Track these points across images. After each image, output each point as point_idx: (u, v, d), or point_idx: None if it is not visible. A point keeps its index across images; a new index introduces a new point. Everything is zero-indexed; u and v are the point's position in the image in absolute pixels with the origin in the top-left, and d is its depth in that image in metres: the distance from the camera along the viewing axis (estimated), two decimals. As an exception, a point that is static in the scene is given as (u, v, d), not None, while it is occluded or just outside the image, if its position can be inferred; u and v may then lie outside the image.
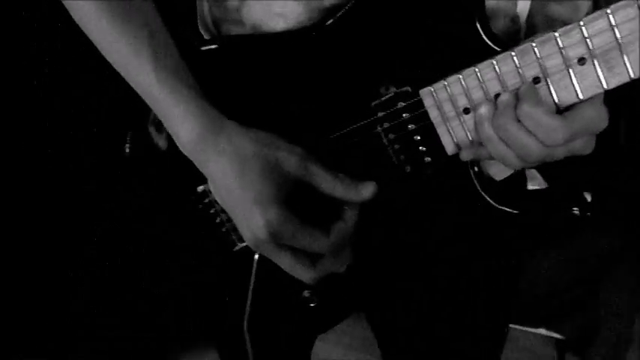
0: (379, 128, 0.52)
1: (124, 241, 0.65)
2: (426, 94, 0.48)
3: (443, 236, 0.58)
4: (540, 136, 0.43)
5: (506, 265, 0.69)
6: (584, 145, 0.45)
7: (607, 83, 0.43)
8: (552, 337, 1.52)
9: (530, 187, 1.40)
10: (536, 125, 0.43)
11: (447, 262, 0.63)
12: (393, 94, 0.50)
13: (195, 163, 0.50)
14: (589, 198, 1.48)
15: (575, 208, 0.51)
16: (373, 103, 0.51)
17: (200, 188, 0.60)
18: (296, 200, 0.49)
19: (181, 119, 0.49)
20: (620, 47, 0.41)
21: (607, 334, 1.39)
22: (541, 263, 1.38)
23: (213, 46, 0.55)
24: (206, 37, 0.59)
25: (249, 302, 0.60)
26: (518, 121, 0.44)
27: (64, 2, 0.50)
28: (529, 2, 0.59)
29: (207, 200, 0.60)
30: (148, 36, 0.48)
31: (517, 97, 0.44)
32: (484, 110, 0.45)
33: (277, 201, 0.47)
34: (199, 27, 0.59)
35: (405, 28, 0.49)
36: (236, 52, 0.55)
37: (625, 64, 0.42)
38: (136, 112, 0.59)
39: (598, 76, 0.43)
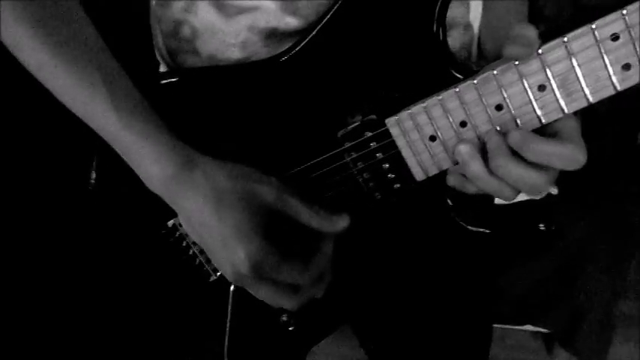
0: (347, 158, 0.52)
1: (92, 280, 0.63)
2: (392, 124, 0.48)
3: (420, 258, 0.58)
4: (560, 165, 0.43)
5: (482, 273, 0.70)
6: None
7: (567, 108, 0.44)
8: (539, 332, 1.57)
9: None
10: (557, 158, 0.42)
11: (425, 277, 0.63)
12: (359, 122, 0.50)
13: (166, 200, 0.49)
14: (555, 191, 1.51)
15: (540, 224, 0.52)
16: (340, 134, 0.51)
17: (170, 223, 0.59)
18: (274, 232, 0.48)
19: (152, 160, 0.47)
20: (577, 74, 0.43)
21: (591, 320, 1.43)
22: (517, 261, 1.40)
23: (173, 79, 0.54)
24: (163, 66, 0.58)
25: (227, 333, 0.59)
26: (516, 157, 0.43)
27: (14, 53, 0.47)
28: (480, 8, 0.61)
29: (177, 234, 0.59)
30: (102, 78, 0.46)
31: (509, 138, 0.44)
32: (465, 150, 0.45)
33: (257, 234, 0.47)
34: (157, 56, 0.58)
35: (369, 55, 0.50)
36: (198, 84, 0.54)
37: (583, 89, 0.43)
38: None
39: (558, 102, 0.44)
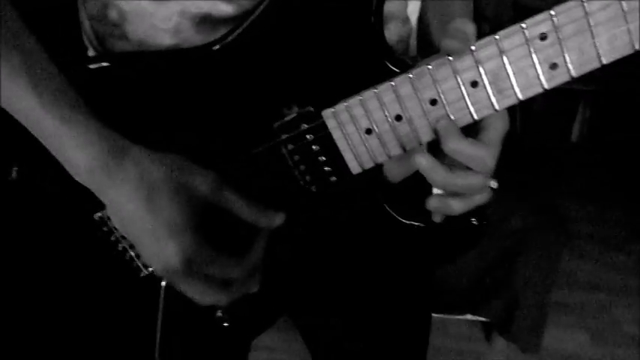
0: (284, 150, 0.51)
1: (18, 277, 0.58)
2: (329, 116, 0.48)
3: (356, 250, 0.59)
4: (474, 167, 0.44)
5: (419, 264, 0.71)
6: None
7: (498, 104, 0.45)
8: (479, 321, 1.62)
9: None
10: (467, 158, 0.44)
11: (362, 268, 0.64)
12: (295, 114, 0.50)
13: (94, 191, 0.46)
14: (495, 185, 1.56)
15: (472, 219, 0.53)
16: (276, 125, 0.50)
17: (97, 215, 0.56)
18: (207, 226, 0.47)
19: (78, 147, 0.44)
20: (507, 72, 0.44)
21: (526, 309, 1.49)
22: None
23: (103, 64, 0.51)
24: (91, 51, 0.55)
25: (159, 332, 0.57)
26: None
27: None
28: (418, 3, 0.61)
29: (105, 228, 0.56)
30: (21, 59, 0.43)
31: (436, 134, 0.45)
32: (421, 160, 0.45)
33: (190, 228, 0.45)
34: (85, 41, 0.55)
35: (306, 46, 0.49)
36: (129, 70, 0.51)
37: (513, 87, 0.44)
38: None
39: (490, 99, 0.45)
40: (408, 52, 0.62)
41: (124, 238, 0.55)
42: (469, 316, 1.57)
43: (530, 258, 1.48)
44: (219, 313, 0.58)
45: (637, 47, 0.41)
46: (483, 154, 0.44)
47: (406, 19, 0.59)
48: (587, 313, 1.80)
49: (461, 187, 0.45)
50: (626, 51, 0.41)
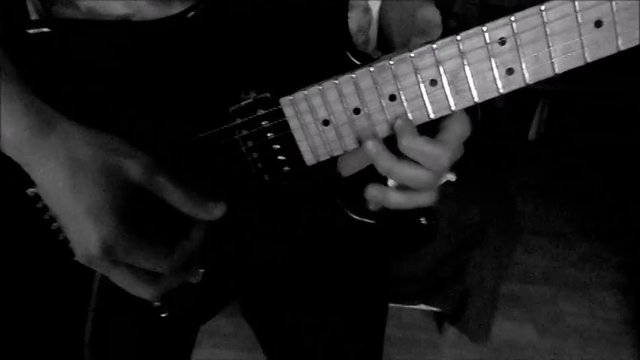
0: (237, 135, 0.50)
1: None
2: (287, 104, 0.47)
3: (306, 243, 0.58)
4: (427, 164, 0.45)
5: (372, 258, 0.71)
6: (459, 153, 0.47)
7: (455, 105, 0.45)
8: (431, 311, 1.67)
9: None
10: (421, 156, 0.44)
11: (314, 261, 0.63)
12: (252, 99, 0.48)
13: (22, 166, 0.44)
14: (453, 178, 1.58)
15: (422, 218, 0.54)
16: (232, 109, 0.49)
17: (31, 191, 0.52)
18: (137, 213, 0.44)
19: (4, 120, 0.41)
20: (466, 73, 0.44)
21: (478, 300, 1.54)
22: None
23: (44, 30, 0.47)
24: (34, 17, 0.51)
25: (90, 317, 0.54)
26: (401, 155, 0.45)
27: None
28: None
29: (40, 205, 0.53)
30: None
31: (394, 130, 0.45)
32: (372, 146, 0.45)
33: (114, 213, 0.42)
34: (28, 7, 0.51)
35: (267, 30, 0.47)
36: (74, 38, 0.48)
37: (470, 89, 0.44)
38: None
39: (447, 99, 0.45)
40: (368, 43, 0.62)
41: None
42: (422, 306, 1.61)
43: (484, 251, 1.52)
44: (156, 303, 0.56)
45: (588, 60, 0.42)
46: (438, 153, 0.44)
47: (367, 9, 0.58)
48: (534, 305, 1.87)
49: (408, 178, 0.45)
50: (578, 62, 0.42)
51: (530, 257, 2.06)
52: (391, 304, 1.55)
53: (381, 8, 0.60)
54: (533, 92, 2.25)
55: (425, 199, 0.47)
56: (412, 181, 0.46)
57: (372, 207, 0.49)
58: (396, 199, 0.47)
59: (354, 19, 0.56)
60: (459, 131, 0.46)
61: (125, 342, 0.61)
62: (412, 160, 0.45)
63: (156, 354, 0.65)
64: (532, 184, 2.33)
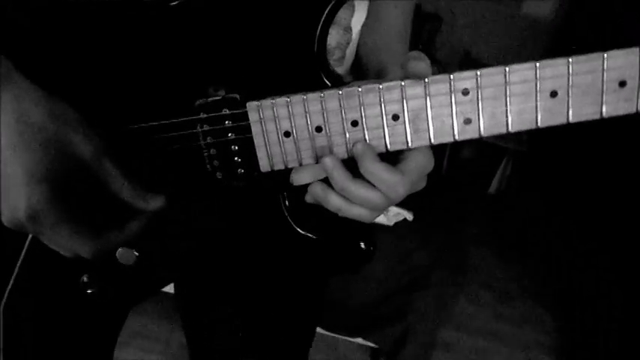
0: (198, 129, 0.50)
1: None
2: (252, 109, 0.48)
3: (247, 246, 0.58)
4: (384, 190, 0.46)
5: (309, 280, 0.72)
6: (419, 185, 0.48)
7: (411, 142, 0.47)
8: (368, 346, 1.66)
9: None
10: (379, 181, 0.45)
11: (251, 269, 0.63)
12: (220, 97, 0.49)
13: None
14: (410, 217, 1.58)
15: (361, 242, 0.55)
16: (198, 102, 0.50)
17: None
18: (73, 190, 0.44)
19: None
20: (427, 114, 0.46)
21: (416, 342, 1.54)
22: (358, 277, 1.47)
23: None
24: None
25: (11, 282, 0.53)
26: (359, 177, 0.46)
27: None
28: (364, 16, 0.62)
29: None
30: None
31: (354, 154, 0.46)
32: (329, 162, 0.46)
33: (49, 183, 0.42)
34: None
35: (247, 33, 0.49)
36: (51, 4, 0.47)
37: (428, 130, 0.46)
38: None
39: (406, 135, 0.47)
40: (342, 62, 0.63)
41: None
42: (360, 340, 1.60)
43: (428, 294, 1.54)
44: (84, 278, 0.55)
45: (540, 125, 0.44)
46: (396, 181, 0.45)
47: (348, 28, 0.60)
48: (469, 356, 1.88)
49: (360, 198, 0.46)
50: (530, 125, 0.45)
51: (472, 308, 2.08)
52: (328, 333, 1.55)
53: (360, 34, 0.62)
54: (499, 148, 2.32)
55: (363, 213, 0.48)
56: (364, 202, 0.47)
57: (307, 199, 0.49)
58: (335, 202, 0.47)
59: (333, 36, 0.57)
60: (421, 163, 0.47)
61: (46, 314, 0.59)
62: (367, 182, 0.46)
63: (80, 331, 0.63)
64: (487, 238, 2.38)
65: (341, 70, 0.65)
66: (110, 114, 0.48)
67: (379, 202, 0.47)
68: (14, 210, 0.42)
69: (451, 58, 2.24)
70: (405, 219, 1.50)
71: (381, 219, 1.44)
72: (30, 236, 0.52)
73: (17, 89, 0.42)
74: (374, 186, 0.46)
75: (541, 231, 2.38)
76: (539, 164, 2.42)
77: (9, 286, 0.53)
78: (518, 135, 2.36)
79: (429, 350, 1.58)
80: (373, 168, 0.45)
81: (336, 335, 1.59)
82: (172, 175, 0.51)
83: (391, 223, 1.49)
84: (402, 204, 1.50)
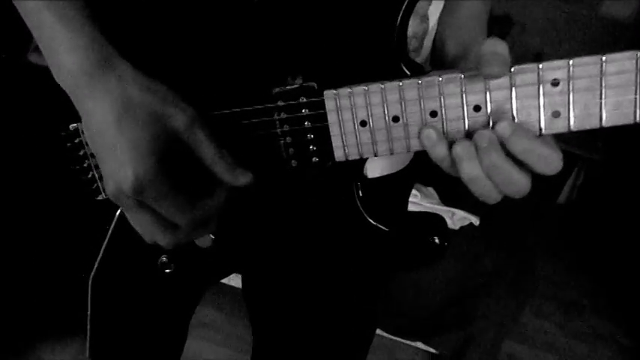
0: (275, 116, 0.51)
1: None
2: (330, 97, 0.48)
3: (316, 235, 0.58)
4: (538, 165, 0.42)
5: (375, 274, 0.71)
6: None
7: None
8: (427, 352, 1.61)
9: (425, 203, 1.45)
10: (533, 156, 0.42)
11: (317, 259, 0.63)
12: (298, 85, 0.50)
13: (72, 98, 0.46)
14: (478, 222, 1.53)
15: (434, 237, 0.54)
16: (275, 90, 0.50)
17: (73, 125, 0.55)
18: (172, 162, 0.46)
19: (68, 48, 0.44)
20: (512, 106, 0.44)
21: (478, 352, 1.49)
22: (423, 280, 1.44)
23: None
24: None
25: (99, 258, 0.57)
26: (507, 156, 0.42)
27: None
28: (441, 4, 0.60)
29: (77, 140, 0.56)
30: None
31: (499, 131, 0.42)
32: (460, 149, 0.43)
33: (152, 157, 0.44)
34: None
35: (326, 22, 0.49)
36: None
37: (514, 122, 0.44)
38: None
39: (488, 128, 0.45)
40: (419, 52, 0.62)
41: (92, 156, 0.55)
42: (420, 344, 1.56)
43: (492, 302, 1.49)
44: (163, 258, 0.58)
45: (638, 120, 0.41)
46: (557, 156, 0.41)
47: (425, 17, 0.59)
48: None
49: (541, 157, 0.42)
50: (627, 120, 0.41)
51: (537, 321, 1.99)
52: (388, 335, 1.52)
53: (445, 25, 0.60)
54: (572, 157, 2.19)
55: (523, 182, 0.43)
56: (545, 163, 0.42)
57: (442, 164, 0.45)
58: (471, 171, 0.43)
59: (410, 25, 0.56)
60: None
61: (128, 289, 0.63)
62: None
63: (157, 307, 0.67)
64: (555, 249, 2.27)
65: (418, 60, 0.63)
66: (194, 101, 0.49)
67: (524, 184, 0.43)
68: (121, 180, 0.44)
69: (521, 62, 2.15)
70: (470, 223, 1.46)
71: (447, 222, 1.41)
72: (118, 214, 0.55)
73: (120, 70, 0.45)
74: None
75: (613, 245, 2.25)
76: (614, 174, 2.28)
77: (98, 259, 0.57)
78: (593, 142, 2.23)
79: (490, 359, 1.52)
80: (529, 143, 0.41)
81: (395, 338, 1.56)
82: (249, 162, 0.51)
83: (457, 227, 1.45)
84: (469, 208, 1.46)
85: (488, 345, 1.51)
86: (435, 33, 0.62)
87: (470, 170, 0.43)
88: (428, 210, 1.42)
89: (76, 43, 0.44)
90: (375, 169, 0.63)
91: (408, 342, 1.58)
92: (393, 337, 1.55)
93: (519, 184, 0.43)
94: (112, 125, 0.44)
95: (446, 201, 1.50)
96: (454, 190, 1.44)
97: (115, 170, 0.44)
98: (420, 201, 1.46)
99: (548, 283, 2.13)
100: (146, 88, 0.46)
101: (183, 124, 0.46)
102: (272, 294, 0.71)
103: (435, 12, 0.61)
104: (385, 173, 0.65)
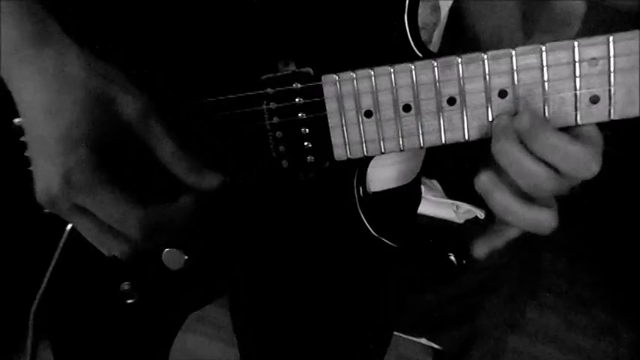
0: (265, 106, 0.44)
1: None
2: (329, 82, 0.41)
3: (311, 250, 0.51)
4: (565, 165, 0.36)
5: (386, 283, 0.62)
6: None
7: None
8: (431, 347, 1.59)
9: (429, 197, 1.39)
10: (558, 154, 0.36)
11: (313, 277, 0.56)
12: (290, 72, 0.42)
13: (6, 82, 0.38)
14: (483, 215, 1.48)
15: (451, 254, 0.46)
16: (264, 77, 0.43)
17: (17, 120, 0.47)
18: (117, 155, 0.38)
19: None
20: (543, 89, 0.38)
21: (483, 347, 1.47)
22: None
23: None
24: None
25: (44, 285, 0.46)
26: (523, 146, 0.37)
27: None
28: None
29: (23, 138, 0.47)
30: None
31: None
32: (528, 117, 0.37)
33: (88, 144, 0.36)
34: None
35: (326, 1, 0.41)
36: None
37: (543, 109, 0.38)
38: None
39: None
40: (429, 45, 0.55)
41: None
42: (424, 340, 1.54)
43: (497, 297, 1.45)
44: (125, 286, 0.48)
45: None
46: (579, 152, 0.35)
47: (436, 7, 0.51)
48: None
49: (525, 221, 0.38)
50: None
51: (543, 315, 1.96)
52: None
53: (463, 7, 0.53)
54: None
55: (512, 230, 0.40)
56: (529, 226, 0.39)
57: (479, 188, 0.40)
58: (505, 202, 0.38)
59: (420, 15, 0.49)
60: (595, 134, 0.38)
61: (84, 324, 0.54)
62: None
63: (124, 343, 0.58)
64: (561, 242, 2.23)
65: None
66: (171, 86, 0.43)
67: (547, 182, 0.37)
68: (49, 179, 0.37)
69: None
70: (476, 217, 1.41)
71: (451, 215, 1.35)
72: (68, 228, 0.46)
73: (61, 47, 0.38)
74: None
75: (618, 238, 2.21)
76: (620, 166, 2.22)
77: (42, 288, 0.47)
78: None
79: (495, 355, 1.51)
80: (553, 139, 0.35)
81: (398, 334, 1.53)
82: (232, 162, 0.44)
83: (461, 221, 1.40)
84: (474, 201, 1.41)
85: (492, 342, 1.48)
86: (462, 13, 0.54)
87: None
88: (432, 202, 1.37)
89: (8, 16, 0.37)
90: (378, 182, 0.54)
91: (412, 338, 1.55)
92: (397, 332, 1.51)
93: (537, 178, 0.37)
94: (43, 112, 0.36)
95: (450, 194, 1.45)
96: (458, 183, 1.39)
97: (42, 166, 0.37)
98: (423, 194, 1.41)
99: (552, 277, 2.10)
100: (92, 68, 0.38)
101: (135, 113, 0.38)
102: (263, 316, 0.62)
103: (447, 3, 0.53)
104: (390, 186, 0.56)
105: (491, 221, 0.44)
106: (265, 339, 0.63)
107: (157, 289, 0.50)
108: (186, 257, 0.47)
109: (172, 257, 0.46)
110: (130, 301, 0.49)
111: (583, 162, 0.36)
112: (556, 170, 0.37)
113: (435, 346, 1.55)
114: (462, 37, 0.55)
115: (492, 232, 0.42)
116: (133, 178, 0.39)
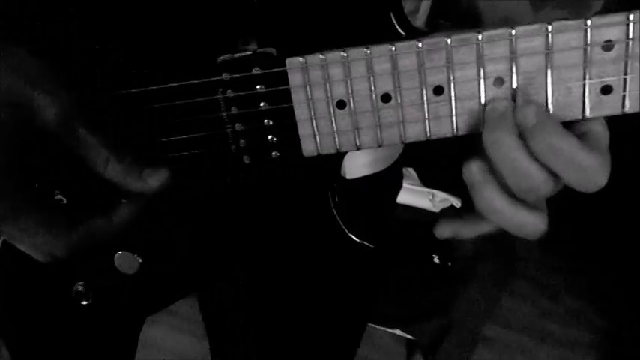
0: (220, 95, 0.37)
1: None
2: (294, 68, 0.35)
3: (280, 252, 0.46)
4: (565, 172, 0.31)
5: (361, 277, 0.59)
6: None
7: None
8: (405, 337, 1.58)
9: (405, 185, 1.36)
10: (560, 158, 0.31)
11: (284, 279, 0.52)
12: (250, 52, 0.36)
13: None
14: (459, 204, 1.46)
15: (435, 256, 0.41)
16: (220, 59, 0.36)
17: None
18: (40, 170, 0.34)
19: None
20: (546, 78, 0.32)
21: (456, 337, 1.46)
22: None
23: None
24: None
25: None
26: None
27: None
28: None
29: None
30: None
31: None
32: (534, 111, 0.32)
33: None
34: None
35: None
36: None
37: (547, 101, 0.33)
38: None
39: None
40: (417, 16, 0.49)
41: None
42: (398, 331, 1.52)
43: (471, 287, 1.43)
44: (78, 287, 0.44)
45: None
46: (585, 159, 0.30)
47: None
48: (510, 353, 1.80)
49: (511, 223, 0.33)
50: None
51: (516, 303, 1.99)
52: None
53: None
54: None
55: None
56: (517, 230, 0.35)
57: (466, 178, 0.35)
58: (492, 199, 0.33)
59: None
60: (602, 131, 0.33)
61: (39, 325, 0.51)
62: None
63: (81, 343, 0.54)
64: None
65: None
66: (109, 75, 0.37)
67: (540, 182, 0.32)
68: None
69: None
70: (451, 205, 1.38)
71: (427, 204, 1.32)
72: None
73: None
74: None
75: (592, 226, 2.25)
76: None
77: None
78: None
79: (469, 345, 1.51)
80: (563, 143, 0.30)
81: (373, 325, 1.50)
82: (185, 159, 0.38)
83: (437, 210, 1.37)
84: (450, 189, 1.39)
85: (466, 331, 1.48)
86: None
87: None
88: (408, 191, 1.34)
89: None
90: (355, 168, 0.49)
91: (386, 329, 1.54)
92: (371, 324, 1.48)
93: (529, 177, 0.32)
94: None
95: (426, 183, 1.43)
96: (434, 172, 1.37)
97: None
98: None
99: (527, 265, 2.14)
100: (7, 63, 0.32)
101: (53, 115, 0.33)
102: (234, 314, 0.58)
103: None
104: (368, 173, 0.51)
105: (467, 210, 0.38)
106: (238, 333, 0.59)
107: (112, 292, 0.46)
108: (140, 260, 0.42)
109: (125, 260, 0.42)
110: (84, 302, 0.45)
111: (590, 172, 0.31)
112: (555, 174, 0.31)
113: (409, 336, 1.53)
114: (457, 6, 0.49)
115: (463, 222, 0.38)
116: (62, 192, 0.35)
